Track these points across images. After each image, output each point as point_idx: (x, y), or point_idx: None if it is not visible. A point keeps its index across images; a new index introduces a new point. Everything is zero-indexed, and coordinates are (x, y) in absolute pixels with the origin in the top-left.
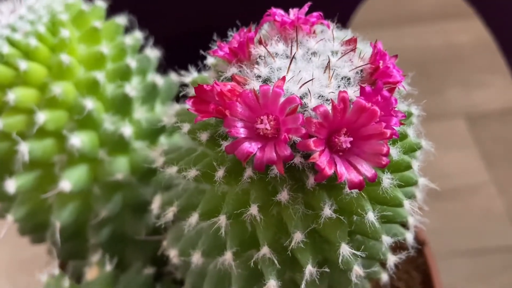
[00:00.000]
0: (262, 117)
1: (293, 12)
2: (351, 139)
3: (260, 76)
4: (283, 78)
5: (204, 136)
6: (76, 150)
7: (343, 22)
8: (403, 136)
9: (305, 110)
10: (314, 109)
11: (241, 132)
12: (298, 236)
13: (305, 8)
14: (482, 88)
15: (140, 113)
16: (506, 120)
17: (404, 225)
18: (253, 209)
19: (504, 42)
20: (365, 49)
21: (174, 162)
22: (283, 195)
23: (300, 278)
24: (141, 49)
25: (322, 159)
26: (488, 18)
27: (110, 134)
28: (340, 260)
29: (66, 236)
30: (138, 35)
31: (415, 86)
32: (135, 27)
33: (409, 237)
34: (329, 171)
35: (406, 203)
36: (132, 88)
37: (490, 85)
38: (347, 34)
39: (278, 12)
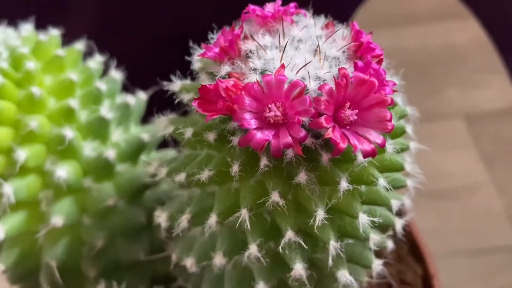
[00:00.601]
0: (269, 106)
1: (270, 6)
2: (357, 111)
3: (256, 69)
4: (283, 66)
5: (211, 136)
6: (64, 182)
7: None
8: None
9: (306, 93)
10: (320, 88)
11: (252, 123)
12: (320, 214)
13: (279, 1)
14: (481, 88)
15: (117, 135)
16: (505, 120)
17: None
18: (275, 196)
19: (501, 43)
20: (342, 31)
21: (182, 168)
22: (301, 176)
23: (322, 257)
24: (103, 71)
25: (336, 134)
26: (484, 18)
27: (93, 160)
28: (360, 230)
29: (62, 275)
30: (99, 58)
31: (414, 86)
32: (94, 51)
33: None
34: (343, 145)
35: (407, 165)
36: (107, 110)
37: (489, 85)
38: (323, 20)
39: (255, 8)
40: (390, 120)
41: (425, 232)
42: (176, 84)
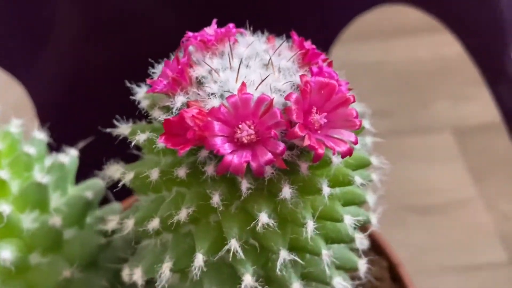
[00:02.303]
0: (240, 126)
1: (209, 30)
2: (325, 114)
3: (214, 93)
4: (244, 84)
5: (182, 171)
6: (11, 264)
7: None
8: None
9: None
10: (287, 98)
11: (227, 147)
12: (310, 225)
13: (214, 24)
14: (469, 101)
15: (55, 200)
16: (494, 133)
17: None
18: (263, 218)
19: (486, 70)
20: (284, 43)
21: (152, 214)
22: (285, 191)
23: (315, 270)
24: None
25: (313, 141)
26: (460, 34)
27: (37, 232)
28: (349, 232)
29: None
30: (17, 122)
31: (403, 99)
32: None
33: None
34: (322, 150)
35: (373, 158)
36: (42, 175)
37: (477, 99)
38: (261, 35)
39: (196, 34)
40: (357, 117)
41: (413, 248)
42: (123, 128)
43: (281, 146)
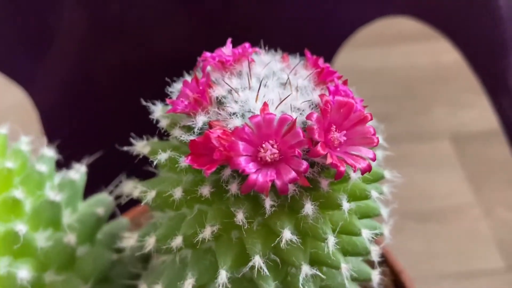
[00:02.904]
0: (263, 145)
1: (226, 50)
2: (344, 132)
3: (235, 113)
4: (266, 104)
5: (206, 190)
6: (28, 283)
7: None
8: None
9: None
10: (308, 117)
11: (251, 167)
12: (331, 240)
13: (229, 43)
14: (468, 108)
15: (67, 217)
16: (492, 141)
17: None
18: (287, 234)
19: (489, 84)
20: (299, 61)
21: (175, 232)
22: (307, 208)
23: (333, 284)
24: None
25: (335, 159)
26: (460, 45)
27: (52, 250)
28: (367, 246)
29: None
30: (26, 139)
31: (402, 106)
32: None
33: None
34: (343, 168)
35: (386, 172)
36: (55, 193)
37: (476, 106)
38: (275, 54)
39: (212, 54)
40: (374, 134)
41: (411, 255)
42: (141, 146)
43: (305, 165)
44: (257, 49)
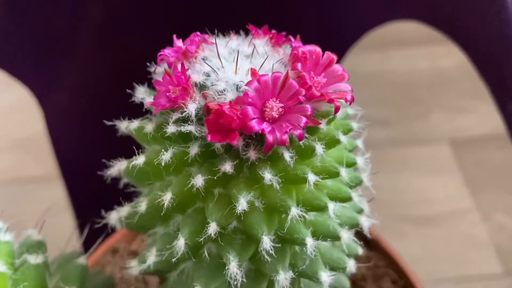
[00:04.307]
0: (268, 104)
1: (180, 43)
2: (323, 74)
3: (224, 89)
4: (253, 70)
5: (228, 166)
6: None
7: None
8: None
9: None
10: (293, 68)
11: (266, 126)
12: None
13: (176, 39)
14: (467, 113)
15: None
16: (490, 146)
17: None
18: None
19: (496, 88)
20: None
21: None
22: (318, 149)
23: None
24: None
25: (330, 96)
26: (469, 52)
27: None
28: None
29: None
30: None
31: (400, 110)
32: None
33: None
34: (337, 103)
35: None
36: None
37: (475, 110)
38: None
39: (173, 48)
40: (343, 70)
41: (408, 259)
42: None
43: (309, 108)
44: (204, 35)
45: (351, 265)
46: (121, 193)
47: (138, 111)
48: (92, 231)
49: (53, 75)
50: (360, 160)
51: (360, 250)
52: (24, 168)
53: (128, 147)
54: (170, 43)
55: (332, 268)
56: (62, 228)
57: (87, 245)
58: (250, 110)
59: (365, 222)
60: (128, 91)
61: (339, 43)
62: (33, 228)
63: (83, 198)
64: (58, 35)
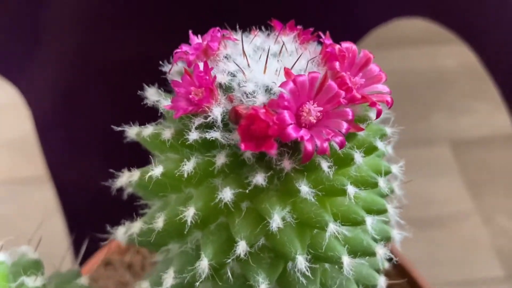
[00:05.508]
0: (304, 108)
1: (199, 39)
2: (361, 75)
3: (254, 91)
4: (288, 70)
5: (260, 178)
6: None
7: None
8: None
9: None
10: (330, 68)
11: (304, 133)
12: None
13: (192, 35)
14: (467, 114)
15: None
16: (491, 147)
17: None
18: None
19: (499, 77)
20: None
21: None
22: (357, 157)
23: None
24: None
25: (371, 99)
26: (480, 51)
27: None
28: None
29: None
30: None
31: (401, 110)
32: None
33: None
34: (379, 106)
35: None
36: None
37: (476, 111)
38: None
39: (193, 45)
40: (380, 71)
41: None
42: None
43: (350, 112)
44: (225, 31)
45: (382, 282)
46: (109, 195)
47: (127, 111)
48: (83, 237)
49: (37, 69)
50: (395, 169)
51: (386, 264)
52: (16, 168)
53: (119, 146)
54: (165, 37)
55: (364, 286)
56: (53, 230)
57: (77, 250)
58: (286, 114)
59: (397, 235)
60: (128, 91)
61: (346, 38)
62: (28, 233)
63: (73, 202)
64: (39, 26)
